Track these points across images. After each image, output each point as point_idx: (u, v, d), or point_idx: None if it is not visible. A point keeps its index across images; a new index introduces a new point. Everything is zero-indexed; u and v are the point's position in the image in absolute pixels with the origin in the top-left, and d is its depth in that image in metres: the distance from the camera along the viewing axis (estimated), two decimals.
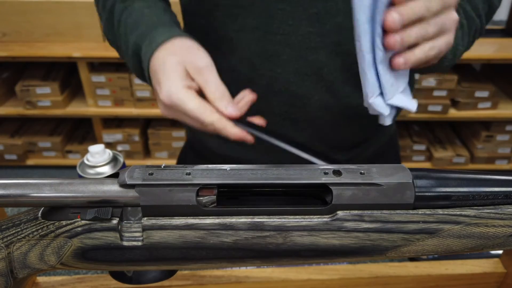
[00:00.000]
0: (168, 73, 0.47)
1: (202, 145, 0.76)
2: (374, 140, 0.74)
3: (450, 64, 0.55)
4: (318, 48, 0.58)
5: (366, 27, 0.39)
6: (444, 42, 0.43)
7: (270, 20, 0.57)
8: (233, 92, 0.64)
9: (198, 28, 0.63)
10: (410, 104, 0.45)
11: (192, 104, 0.45)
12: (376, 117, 0.74)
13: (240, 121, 0.46)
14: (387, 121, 0.46)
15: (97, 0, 0.63)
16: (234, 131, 0.46)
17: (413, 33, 0.40)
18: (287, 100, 0.63)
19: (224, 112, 0.45)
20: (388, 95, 0.43)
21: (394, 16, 0.38)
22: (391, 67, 0.41)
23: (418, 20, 0.41)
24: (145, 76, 0.53)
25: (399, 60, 0.41)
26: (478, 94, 1.91)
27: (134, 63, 0.54)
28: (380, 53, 0.40)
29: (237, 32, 0.60)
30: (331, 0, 0.55)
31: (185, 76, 0.46)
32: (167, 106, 0.47)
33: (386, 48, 0.40)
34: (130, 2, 0.57)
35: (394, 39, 0.39)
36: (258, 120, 0.49)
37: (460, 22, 0.54)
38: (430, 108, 1.92)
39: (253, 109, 0.64)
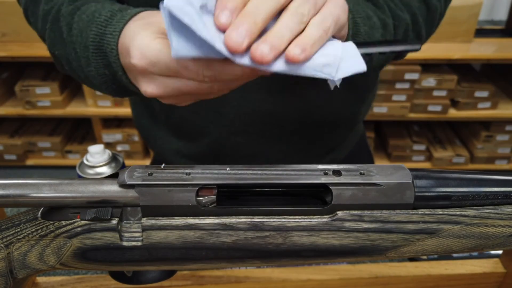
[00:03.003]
0: (136, 35, 0.36)
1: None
2: (347, 142, 0.74)
3: (372, 65, 0.51)
4: None
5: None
6: (329, 15, 0.33)
7: None
8: (203, 116, 0.63)
9: None
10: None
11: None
12: (348, 120, 0.72)
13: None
14: (362, 66, 0.34)
15: (32, 15, 0.54)
16: (251, 60, 0.30)
17: (276, 29, 0.31)
18: (262, 118, 0.61)
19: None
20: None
21: (234, 37, 0.29)
22: (291, 62, 0.31)
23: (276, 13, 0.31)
24: (116, 72, 0.42)
25: (295, 51, 0.30)
26: (478, 94, 1.91)
27: (97, 64, 0.43)
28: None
29: None
30: None
31: (158, 31, 0.36)
32: (143, 71, 0.36)
33: (257, 63, 0.30)
34: (82, 1, 0.47)
35: (261, 52, 0.29)
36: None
37: (382, 21, 0.50)
38: (430, 108, 1.92)
39: (225, 130, 0.63)
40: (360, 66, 0.33)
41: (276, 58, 0.30)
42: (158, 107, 0.67)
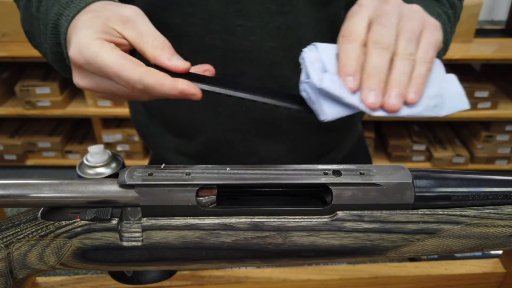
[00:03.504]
0: (80, 29, 0.37)
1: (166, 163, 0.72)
2: (345, 143, 0.74)
3: (442, 55, 0.55)
4: (282, 63, 0.56)
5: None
6: (430, 46, 0.37)
7: (230, 37, 0.54)
8: (199, 114, 0.63)
9: None
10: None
11: (108, 56, 0.35)
12: (346, 121, 0.71)
13: (182, 76, 0.37)
14: (465, 104, 0.37)
15: None
16: (176, 84, 0.35)
17: (396, 77, 0.34)
18: (257, 117, 0.61)
19: (168, 65, 0.36)
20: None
21: (371, 100, 0.34)
22: (411, 104, 0.35)
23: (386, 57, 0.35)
24: (63, 54, 0.43)
25: (411, 96, 0.35)
26: (478, 94, 1.91)
27: (51, 42, 0.44)
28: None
29: (195, 53, 0.55)
30: (292, 13, 0.53)
31: (101, 30, 0.37)
32: (79, 66, 0.38)
33: (390, 113, 0.35)
34: None
35: (392, 104, 0.34)
36: (207, 69, 0.41)
37: (446, 14, 0.53)
38: None
39: (220, 129, 0.63)
40: (463, 104, 0.37)
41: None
42: (154, 104, 0.67)
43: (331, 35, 0.53)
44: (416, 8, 0.39)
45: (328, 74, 0.35)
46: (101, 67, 0.36)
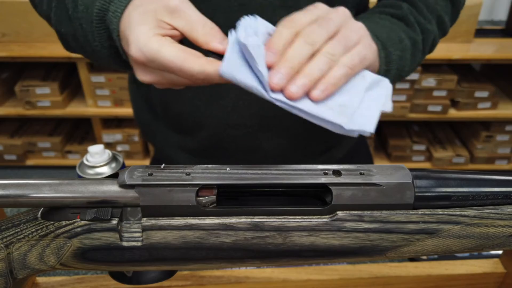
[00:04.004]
0: (135, 26, 0.38)
1: (169, 162, 0.73)
2: (345, 141, 0.74)
3: (396, 80, 0.55)
4: None
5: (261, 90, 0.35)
6: (356, 55, 0.38)
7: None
8: (201, 109, 0.63)
9: None
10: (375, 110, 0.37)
11: (169, 51, 0.36)
12: None
13: None
14: (371, 129, 0.37)
15: None
16: None
17: (308, 69, 0.36)
18: (259, 111, 0.62)
19: (220, 49, 0.37)
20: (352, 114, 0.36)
21: (275, 79, 0.34)
22: (314, 100, 0.35)
23: (311, 52, 0.36)
24: (118, 49, 0.44)
25: (316, 92, 0.35)
26: (478, 94, 1.91)
27: (100, 38, 0.45)
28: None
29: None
30: (295, 8, 0.51)
31: (155, 25, 0.38)
32: (141, 64, 0.39)
33: (288, 99, 0.35)
34: None
35: (290, 91, 0.35)
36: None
37: (412, 40, 0.53)
38: (430, 108, 1.92)
39: (223, 123, 0.63)
40: (369, 126, 0.35)
41: (305, 94, 0.35)
42: (157, 101, 0.67)
43: None
44: (360, 25, 0.41)
45: (255, 38, 0.35)
46: (163, 63, 0.37)
